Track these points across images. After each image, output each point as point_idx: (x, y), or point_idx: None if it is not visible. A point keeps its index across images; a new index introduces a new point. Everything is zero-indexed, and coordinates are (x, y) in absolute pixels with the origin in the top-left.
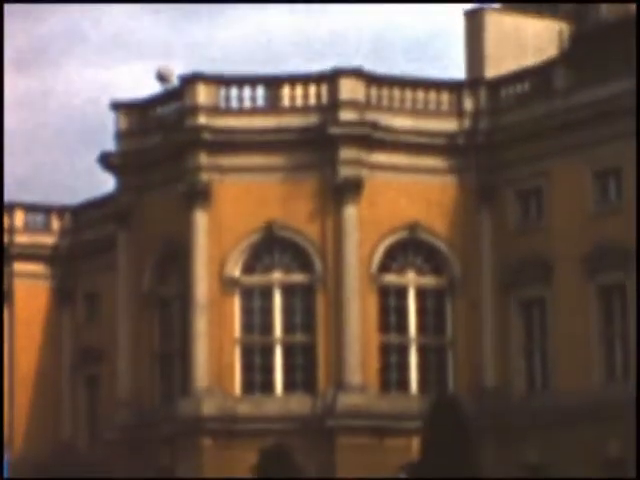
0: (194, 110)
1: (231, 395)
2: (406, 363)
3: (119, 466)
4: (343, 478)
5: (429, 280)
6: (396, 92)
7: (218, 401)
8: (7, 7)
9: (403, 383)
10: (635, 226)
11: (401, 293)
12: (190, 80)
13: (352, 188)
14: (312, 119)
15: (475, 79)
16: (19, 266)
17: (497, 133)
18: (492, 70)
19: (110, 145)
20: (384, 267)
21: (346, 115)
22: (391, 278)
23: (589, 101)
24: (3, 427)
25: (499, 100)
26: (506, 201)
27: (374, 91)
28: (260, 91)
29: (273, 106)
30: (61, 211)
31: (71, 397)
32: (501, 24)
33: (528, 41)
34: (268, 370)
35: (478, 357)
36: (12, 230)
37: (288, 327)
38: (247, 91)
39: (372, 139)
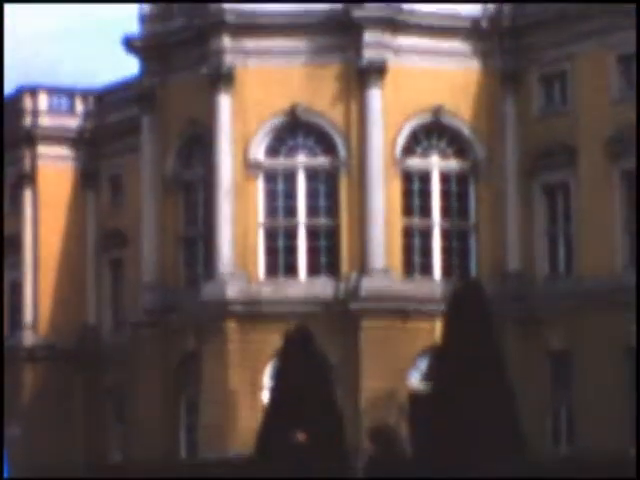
0: None
1: (255, 278)
2: (429, 247)
3: (143, 349)
4: None
5: (453, 164)
6: None
7: (242, 284)
8: None
9: (426, 267)
10: None
11: (425, 177)
12: None
13: (376, 71)
14: (336, 2)
15: None
16: (43, 149)
17: (522, 17)
18: None
19: (134, 29)
20: (408, 150)
21: None
22: (415, 162)
23: None
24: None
25: None
26: (530, 85)
27: None
28: None
29: None
30: (85, 94)
31: (95, 281)
32: None
33: None
34: (292, 253)
35: (501, 241)
36: (36, 113)
37: (312, 210)
38: None
39: (396, 22)
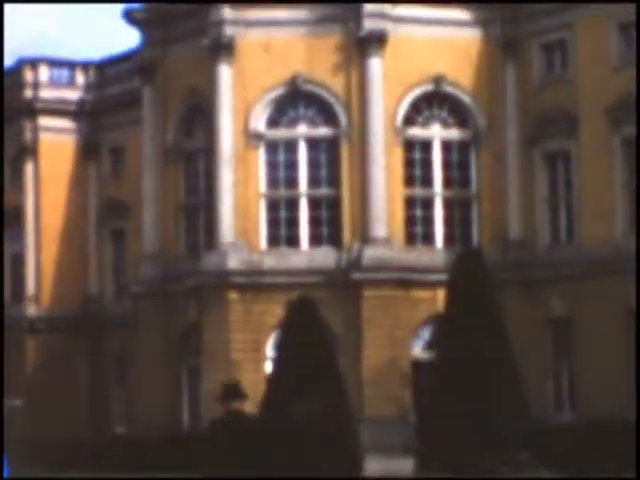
0: None
1: (256, 249)
2: (431, 216)
3: (145, 319)
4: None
5: (454, 133)
6: None
7: (243, 255)
8: None
9: (428, 236)
10: None
11: (426, 146)
12: None
13: (376, 41)
14: None
15: None
16: (44, 121)
17: None
18: None
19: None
20: (409, 120)
21: None
22: (416, 131)
23: None
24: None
25: None
26: (531, 53)
27: None
28: None
29: None
30: (86, 66)
31: (97, 251)
32: None
33: None
34: (293, 224)
35: (503, 210)
36: (37, 85)
37: (313, 181)
38: None
39: None
